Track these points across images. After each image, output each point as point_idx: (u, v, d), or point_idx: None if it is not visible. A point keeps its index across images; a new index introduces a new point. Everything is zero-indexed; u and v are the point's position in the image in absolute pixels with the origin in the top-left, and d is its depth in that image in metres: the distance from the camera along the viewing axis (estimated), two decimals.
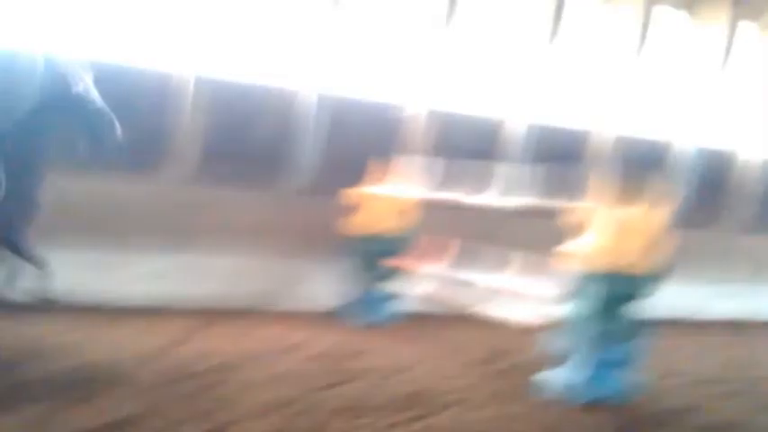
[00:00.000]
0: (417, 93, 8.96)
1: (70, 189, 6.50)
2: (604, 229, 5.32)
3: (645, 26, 9.97)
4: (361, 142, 8.68)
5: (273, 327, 7.01)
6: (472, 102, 9.52)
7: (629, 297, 5.44)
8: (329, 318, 7.56)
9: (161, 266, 7.33)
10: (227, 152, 8.03)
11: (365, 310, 7.67)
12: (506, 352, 6.89)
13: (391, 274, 7.72)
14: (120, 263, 7.17)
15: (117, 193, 7.26)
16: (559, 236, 5.60)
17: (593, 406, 5.33)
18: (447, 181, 7.52)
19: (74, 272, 6.38)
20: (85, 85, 5.35)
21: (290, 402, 4.81)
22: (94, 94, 5.37)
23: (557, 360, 5.51)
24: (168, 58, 7.76)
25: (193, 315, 7.05)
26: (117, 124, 5.33)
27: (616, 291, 5.33)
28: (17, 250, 5.30)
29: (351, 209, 7.80)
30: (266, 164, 8.28)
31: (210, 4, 7.85)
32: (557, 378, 5.45)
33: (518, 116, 9.50)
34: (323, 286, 7.86)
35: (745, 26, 10.64)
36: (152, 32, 7.72)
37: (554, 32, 9.36)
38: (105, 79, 5.58)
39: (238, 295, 7.57)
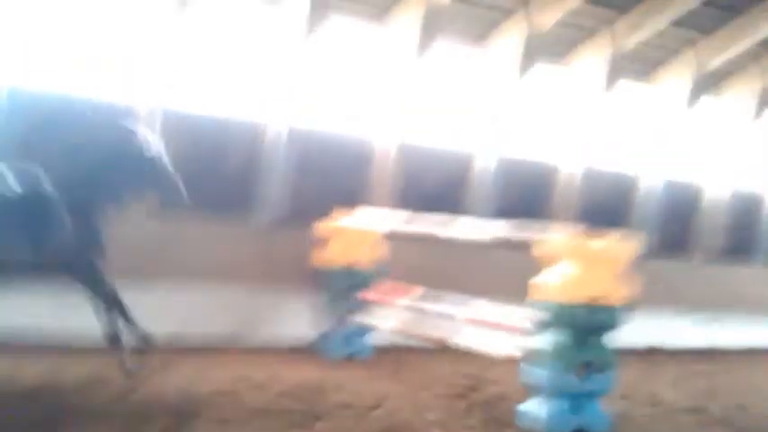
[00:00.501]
0: (386, 126, 8.94)
1: None
2: (576, 260, 5.29)
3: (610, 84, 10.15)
4: (331, 175, 8.64)
5: (246, 362, 6.81)
6: (441, 136, 9.57)
7: (604, 327, 5.43)
8: (302, 352, 7.38)
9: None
10: (194, 186, 7.88)
11: (338, 344, 7.52)
12: (483, 383, 6.78)
13: (364, 306, 7.59)
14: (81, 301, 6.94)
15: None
16: (533, 267, 5.56)
17: None
18: (418, 213, 7.46)
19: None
20: (158, 149, 5.70)
21: None
22: (164, 157, 5.70)
23: (535, 391, 5.40)
24: (132, 91, 7.66)
25: (163, 351, 6.81)
26: (181, 184, 5.70)
27: (591, 321, 5.30)
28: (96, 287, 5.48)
29: (322, 242, 7.68)
30: (235, 198, 8.16)
31: (178, 40, 7.77)
32: (536, 409, 5.34)
33: (487, 149, 9.56)
34: (295, 320, 7.70)
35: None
36: (115, 67, 7.65)
37: (523, 71, 9.45)
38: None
39: (209, 330, 7.37)
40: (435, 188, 7.76)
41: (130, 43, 7.67)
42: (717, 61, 10.38)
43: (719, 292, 11.12)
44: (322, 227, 7.71)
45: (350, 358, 7.44)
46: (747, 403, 7.09)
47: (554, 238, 5.46)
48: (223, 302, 7.51)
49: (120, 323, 5.64)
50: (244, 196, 8.30)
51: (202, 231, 7.68)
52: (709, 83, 10.88)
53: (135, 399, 5.34)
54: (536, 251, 5.51)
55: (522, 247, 5.70)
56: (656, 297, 10.30)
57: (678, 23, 9.82)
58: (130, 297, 7.03)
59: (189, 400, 5.39)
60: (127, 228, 7.29)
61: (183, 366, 6.39)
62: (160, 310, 7.13)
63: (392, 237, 7.56)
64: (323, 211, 7.91)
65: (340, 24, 8.84)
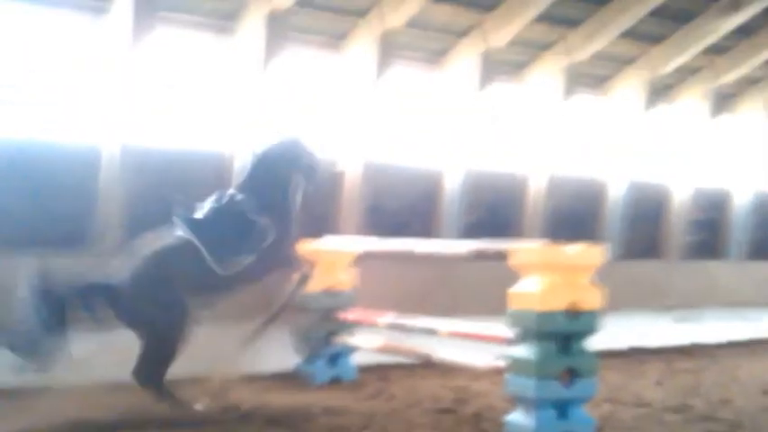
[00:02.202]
0: (353, 147, 8.97)
1: None
2: (552, 268, 5.35)
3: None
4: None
5: (228, 391, 6.74)
6: (407, 155, 9.64)
7: (584, 332, 5.47)
8: (287, 378, 7.32)
9: (99, 344, 7.02)
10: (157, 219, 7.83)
11: (322, 367, 7.48)
12: (470, 396, 6.79)
13: (345, 327, 7.57)
14: None
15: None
16: (510, 277, 5.61)
17: None
18: (386, 236, 7.49)
19: None
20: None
21: None
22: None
23: (520, 401, 5.42)
24: (93, 128, 7.61)
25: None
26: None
27: (571, 327, 5.34)
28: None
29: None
30: None
31: (132, 75, 7.73)
32: (523, 420, 5.36)
33: (455, 163, 9.64)
34: (276, 346, 7.64)
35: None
36: (73, 104, 7.60)
37: (482, 88, 9.55)
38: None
39: (190, 362, 7.28)
40: (404, 207, 7.77)
41: (85, 81, 7.64)
42: (669, 68, 10.65)
43: (694, 288, 11.29)
44: (299, 249, 7.69)
45: (335, 381, 7.40)
46: (731, 397, 7.18)
47: (528, 247, 5.51)
48: (197, 336, 7.44)
49: None
50: None
51: None
52: (663, 88, 11.16)
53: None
54: (511, 262, 5.56)
55: (498, 258, 5.73)
56: (633, 297, 10.46)
57: (628, 34, 10.09)
58: (113, 339, 7.02)
59: None
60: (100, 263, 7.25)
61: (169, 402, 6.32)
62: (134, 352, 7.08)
63: (367, 257, 7.56)
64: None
65: (296, 54, 8.93)
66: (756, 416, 6.42)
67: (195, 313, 5.91)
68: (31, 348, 5.40)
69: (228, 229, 5.85)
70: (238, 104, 8.35)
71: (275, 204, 6.11)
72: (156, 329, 5.70)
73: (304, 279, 6.55)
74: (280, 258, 6.16)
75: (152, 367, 5.75)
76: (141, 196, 7.72)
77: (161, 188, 7.90)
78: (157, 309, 5.67)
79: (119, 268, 5.83)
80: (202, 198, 7.97)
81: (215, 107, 8.54)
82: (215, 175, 8.22)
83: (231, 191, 6.04)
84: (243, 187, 6.18)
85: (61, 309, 5.51)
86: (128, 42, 7.67)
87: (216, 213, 5.94)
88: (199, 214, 5.96)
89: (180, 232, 5.88)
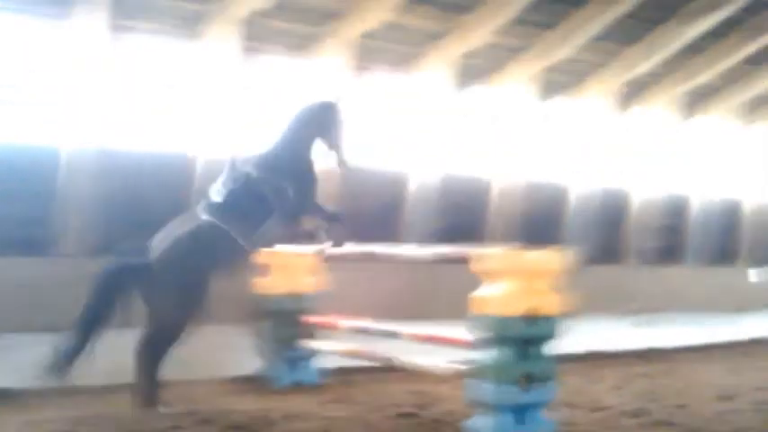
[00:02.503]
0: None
1: None
2: (513, 273, 5.40)
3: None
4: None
5: (190, 396, 6.68)
6: (378, 156, 9.65)
7: (544, 338, 5.53)
8: (248, 382, 7.27)
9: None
10: (125, 223, 7.74)
11: (284, 371, 7.45)
12: (434, 401, 6.81)
13: (308, 331, 7.56)
14: (16, 344, 6.74)
15: (10, 272, 6.87)
16: (475, 281, 5.65)
17: None
18: (359, 234, 7.49)
19: None
20: None
21: None
22: None
23: (483, 406, 5.46)
24: (58, 131, 7.50)
25: (109, 389, 6.67)
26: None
27: (531, 333, 5.40)
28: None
29: (262, 269, 7.63)
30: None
31: (103, 78, 7.63)
32: (482, 425, 5.40)
33: (424, 167, 9.68)
34: (238, 351, 7.60)
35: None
36: (39, 106, 7.49)
37: (457, 91, 9.61)
38: None
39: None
40: (370, 209, 7.78)
41: (56, 84, 7.52)
42: (640, 71, 10.81)
43: (653, 293, 11.47)
44: (261, 253, 7.66)
45: (297, 385, 7.38)
46: (687, 402, 7.29)
47: (491, 252, 5.55)
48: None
49: None
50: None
51: None
52: (633, 92, 11.32)
53: None
54: (474, 266, 5.60)
55: (461, 263, 5.77)
56: (594, 302, 10.60)
57: (599, 39, 10.23)
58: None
59: None
60: (58, 270, 7.15)
61: (123, 406, 6.25)
62: (97, 355, 6.98)
63: (333, 261, 7.55)
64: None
65: (267, 58, 8.90)
66: (712, 421, 6.53)
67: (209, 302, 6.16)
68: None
69: (250, 205, 6.15)
70: (204, 107, 8.29)
71: (296, 170, 6.35)
72: (176, 311, 5.95)
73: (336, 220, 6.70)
74: (301, 223, 6.48)
75: (157, 348, 6.00)
76: (102, 198, 7.62)
77: (123, 190, 7.82)
78: (183, 291, 5.92)
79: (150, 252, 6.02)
80: (164, 200, 7.93)
81: (180, 110, 8.46)
82: (178, 176, 8.14)
83: (248, 165, 6.30)
84: (266, 154, 6.43)
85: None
86: (92, 46, 7.57)
87: (235, 193, 6.18)
88: (218, 197, 6.19)
89: (204, 216, 6.15)
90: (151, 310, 6.02)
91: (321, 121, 6.52)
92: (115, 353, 6.57)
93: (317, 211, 6.58)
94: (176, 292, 5.92)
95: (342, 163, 6.63)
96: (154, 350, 6.01)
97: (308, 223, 6.54)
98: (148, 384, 6.02)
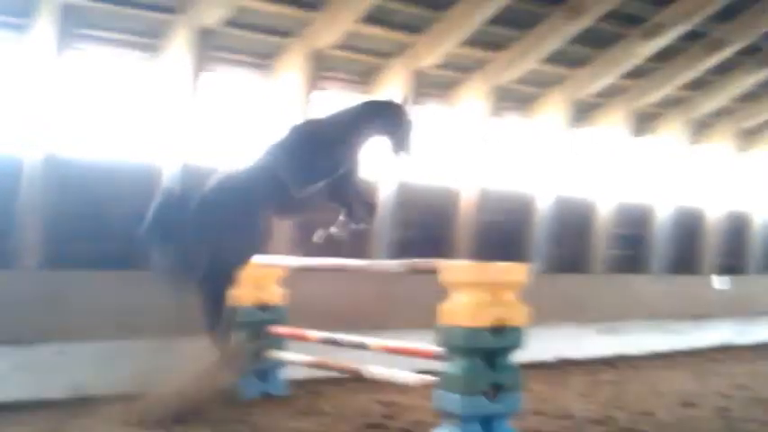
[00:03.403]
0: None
1: None
2: (479, 285, 5.45)
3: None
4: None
5: (155, 410, 6.60)
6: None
7: (510, 348, 5.58)
8: (216, 395, 7.19)
9: (20, 360, 6.83)
10: (85, 234, 7.64)
11: (252, 382, 7.41)
12: (401, 411, 6.84)
13: (276, 342, 7.53)
14: None
15: None
16: (441, 292, 5.68)
17: None
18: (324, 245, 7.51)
19: None
20: None
21: None
22: None
23: (450, 416, 5.49)
24: (17, 139, 7.38)
25: (65, 406, 6.58)
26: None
27: (497, 343, 5.44)
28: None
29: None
30: (129, 242, 7.92)
31: (57, 86, 7.51)
32: None
33: (387, 176, 9.70)
34: (206, 362, 7.52)
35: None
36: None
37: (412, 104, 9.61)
38: None
39: (113, 381, 7.12)
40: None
41: (16, 94, 7.41)
42: (589, 92, 11.07)
43: (619, 301, 11.62)
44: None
45: (265, 396, 7.34)
46: (652, 409, 7.42)
47: (457, 265, 5.60)
48: (127, 354, 7.28)
49: None
50: (138, 241, 8.05)
51: (99, 278, 7.47)
52: (583, 112, 11.57)
53: None
54: (441, 278, 5.63)
55: (429, 274, 5.81)
56: (559, 310, 10.71)
57: (550, 60, 10.47)
58: (27, 351, 6.82)
59: None
60: (18, 284, 7.06)
61: (87, 422, 6.18)
62: (58, 368, 6.91)
63: (300, 274, 7.55)
64: None
65: (226, 72, 8.89)
66: (673, 428, 6.65)
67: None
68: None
69: (306, 156, 6.32)
70: (167, 118, 8.22)
71: (350, 144, 6.52)
72: (228, 252, 6.21)
73: (371, 209, 6.85)
74: (345, 191, 6.56)
75: (216, 285, 6.28)
76: (65, 209, 7.51)
77: (86, 201, 7.71)
78: (235, 223, 6.15)
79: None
80: (129, 211, 7.87)
81: (144, 121, 8.38)
82: (143, 187, 8.06)
83: (312, 122, 6.68)
84: (326, 122, 6.63)
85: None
86: (52, 56, 7.48)
87: (295, 143, 6.41)
88: (279, 143, 6.44)
89: (261, 160, 6.38)
90: (205, 242, 6.17)
91: (387, 119, 6.62)
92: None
93: (354, 191, 6.71)
94: (229, 223, 6.13)
95: (405, 156, 6.73)
96: (214, 287, 6.26)
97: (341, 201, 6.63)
98: (212, 321, 6.35)
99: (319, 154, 6.35)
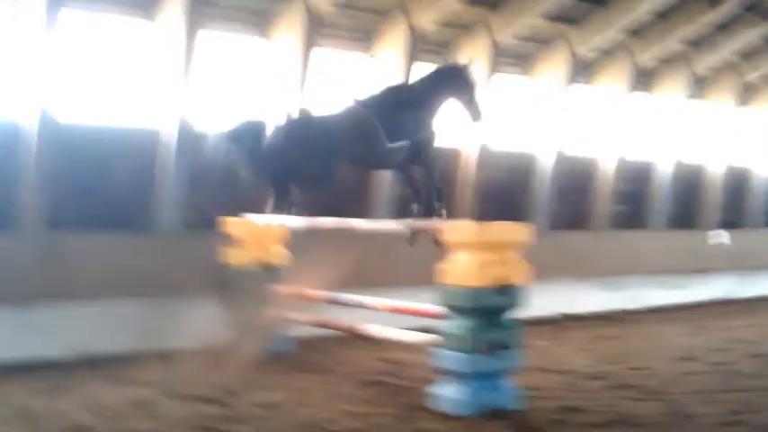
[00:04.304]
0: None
1: None
2: (480, 244, 5.45)
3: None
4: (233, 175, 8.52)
5: (157, 369, 6.68)
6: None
7: (510, 306, 5.62)
8: (218, 353, 7.28)
9: (30, 319, 6.87)
10: (85, 195, 7.62)
11: (255, 342, 7.45)
12: (400, 369, 6.90)
13: (280, 301, 7.57)
14: None
15: None
16: (441, 253, 5.70)
17: (488, 415, 5.39)
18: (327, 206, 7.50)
19: None
20: None
21: None
22: None
23: (448, 374, 5.55)
24: (14, 104, 7.32)
25: (67, 366, 6.66)
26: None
27: (497, 302, 5.48)
28: None
29: (232, 240, 7.61)
30: (130, 204, 7.92)
31: (52, 51, 7.40)
32: (448, 392, 5.49)
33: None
34: (208, 322, 7.59)
35: None
36: None
37: (407, 70, 9.49)
38: None
39: (117, 340, 7.19)
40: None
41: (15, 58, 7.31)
42: (588, 48, 10.92)
43: (619, 256, 11.66)
44: (232, 224, 7.63)
45: (268, 355, 7.39)
46: (649, 364, 7.49)
47: (459, 225, 5.59)
48: (129, 314, 7.34)
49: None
50: (139, 205, 8.04)
51: (101, 240, 7.49)
52: (582, 70, 11.44)
53: (35, 415, 5.20)
54: (442, 238, 5.64)
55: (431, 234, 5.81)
56: (562, 266, 10.76)
57: (549, 17, 10.31)
58: (36, 311, 6.88)
59: (96, 414, 5.26)
60: (20, 243, 7.07)
61: (89, 380, 6.26)
62: (60, 327, 6.96)
63: (299, 234, 7.55)
64: (223, 212, 7.85)
65: (221, 37, 8.76)
66: (672, 382, 6.71)
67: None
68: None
69: (393, 115, 6.63)
70: (162, 81, 8.13)
71: (429, 109, 6.85)
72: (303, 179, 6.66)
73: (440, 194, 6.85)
74: (421, 155, 6.76)
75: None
76: (64, 173, 7.49)
77: (85, 165, 7.69)
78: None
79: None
80: (128, 175, 7.85)
81: (140, 84, 8.29)
82: (142, 151, 8.03)
83: (402, 87, 7.12)
84: (412, 87, 7.01)
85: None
86: (46, 22, 7.37)
87: (384, 102, 6.75)
88: (371, 99, 6.81)
89: (351, 110, 6.74)
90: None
91: (455, 82, 6.89)
92: None
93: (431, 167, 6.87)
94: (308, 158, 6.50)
95: (476, 117, 6.94)
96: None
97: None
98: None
99: (404, 115, 6.67)
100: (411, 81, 7.03)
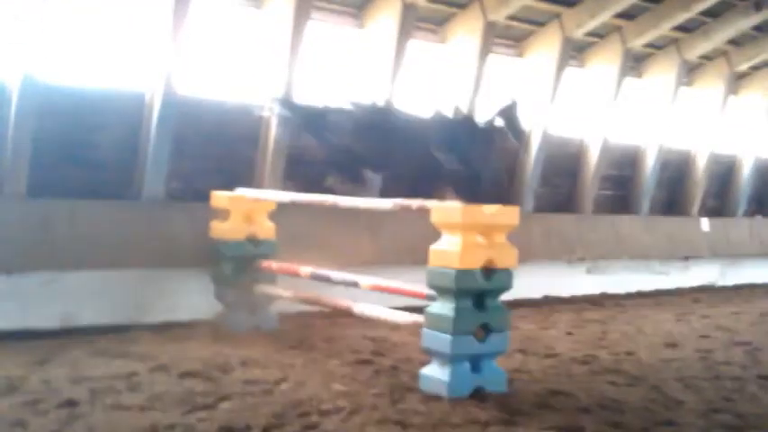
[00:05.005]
0: (273, 92, 8.72)
1: None
2: (473, 226, 5.45)
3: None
4: (221, 143, 8.43)
5: (146, 343, 6.67)
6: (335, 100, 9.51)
7: (499, 289, 5.65)
8: (206, 328, 7.28)
9: (8, 288, 6.81)
10: (69, 161, 7.50)
11: (243, 317, 7.47)
12: (388, 349, 6.93)
13: (267, 276, 7.56)
14: None
15: None
16: (432, 234, 5.69)
17: (477, 396, 5.43)
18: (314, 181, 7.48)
19: None
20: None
21: (169, 428, 4.55)
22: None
23: (437, 356, 5.56)
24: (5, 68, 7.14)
25: (53, 336, 6.62)
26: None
27: (487, 284, 5.49)
28: None
29: (220, 213, 7.57)
30: (116, 172, 7.80)
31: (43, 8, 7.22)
32: (438, 373, 5.51)
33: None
34: (195, 296, 7.57)
35: None
36: None
37: (400, 46, 9.39)
38: None
39: (102, 312, 7.15)
40: (331, 153, 7.65)
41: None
42: (582, 31, 10.87)
43: (606, 240, 11.72)
44: (219, 198, 7.59)
45: (255, 330, 7.41)
46: (635, 349, 7.56)
47: (448, 206, 5.58)
48: (115, 285, 7.30)
49: None
50: (126, 172, 7.92)
51: (87, 208, 7.40)
52: (574, 52, 11.40)
53: (20, 388, 5.18)
54: (432, 219, 5.63)
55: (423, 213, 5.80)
56: (549, 248, 10.80)
57: None
58: (17, 279, 6.81)
59: (83, 387, 5.24)
60: (4, 212, 6.97)
61: (76, 352, 6.22)
62: (46, 297, 6.90)
63: (287, 209, 7.52)
64: (212, 183, 7.80)
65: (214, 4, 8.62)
66: (658, 369, 6.78)
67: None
68: None
69: (464, 146, 7.22)
70: (153, 44, 7.96)
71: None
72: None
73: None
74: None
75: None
76: (49, 137, 7.34)
77: (71, 128, 7.54)
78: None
79: None
80: (115, 139, 7.75)
81: (129, 47, 8.11)
82: (131, 116, 7.89)
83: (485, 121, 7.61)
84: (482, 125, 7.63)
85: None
86: None
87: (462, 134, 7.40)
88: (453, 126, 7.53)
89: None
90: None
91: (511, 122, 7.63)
92: None
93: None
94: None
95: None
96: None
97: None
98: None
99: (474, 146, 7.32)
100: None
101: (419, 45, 10.08)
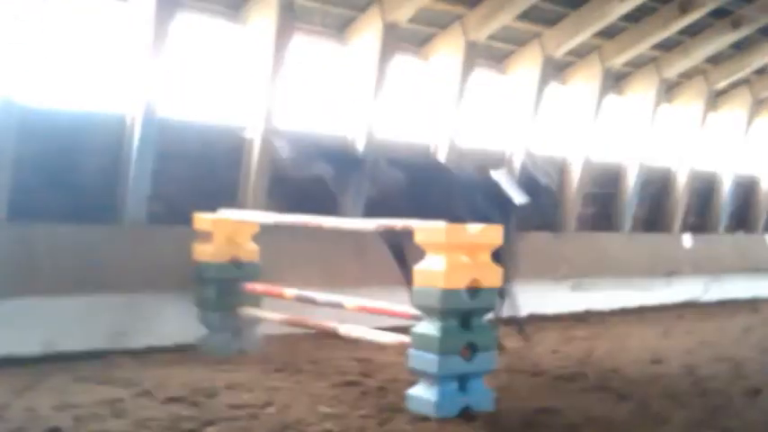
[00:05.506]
0: (257, 113, 8.72)
1: None
2: (458, 246, 5.46)
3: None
4: (203, 165, 8.41)
5: (130, 368, 6.59)
6: (318, 120, 9.52)
7: (485, 308, 5.66)
8: (190, 352, 7.21)
9: None
10: (50, 185, 7.44)
11: (227, 340, 7.40)
12: (375, 370, 6.88)
13: (251, 299, 7.51)
14: None
15: None
16: (419, 254, 5.69)
17: (465, 416, 5.40)
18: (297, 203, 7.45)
19: None
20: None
21: None
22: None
23: (423, 376, 5.54)
24: None
25: (35, 363, 6.52)
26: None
27: (472, 304, 5.49)
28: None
29: (203, 235, 7.52)
30: (98, 195, 7.74)
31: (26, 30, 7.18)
32: (425, 394, 5.48)
33: (363, 132, 9.58)
34: (178, 319, 7.50)
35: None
36: None
37: (382, 64, 9.45)
38: None
39: (84, 338, 7.05)
40: (311, 178, 7.64)
41: None
42: (562, 50, 11.01)
43: (590, 257, 11.78)
44: (202, 220, 7.54)
45: (240, 353, 7.34)
46: (621, 366, 7.57)
47: (432, 226, 5.58)
48: (98, 310, 7.21)
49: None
50: (107, 195, 7.86)
51: (66, 236, 7.32)
52: (555, 71, 11.53)
53: (7, 416, 5.09)
54: (417, 239, 5.63)
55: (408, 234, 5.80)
56: (534, 266, 10.82)
57: (524, 17, 10.36)
58: (4, 310, 6.71)
59: (67, 415, 5.15)
60: None
61: (59, 379, 6.13)
62: (29, 323, 6.81)
63: (271, 231, 7.50)
64: (194, 205, 7.75)
65: (193, 22, 8.61)
66: (644, 385, 6.78)
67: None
68: None
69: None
70: (134, 67, 7.93)
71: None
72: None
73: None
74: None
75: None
76: (27, 159, 7.26)
77: (50, 150, 7.47)
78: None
79: None
80: (95, 162, 7.68)
81: (111, 70, 8.08)
82: (111, 138, 7.84)
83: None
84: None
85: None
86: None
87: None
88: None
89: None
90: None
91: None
92: None
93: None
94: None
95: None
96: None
97: None
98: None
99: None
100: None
101: (402, 62, 10.13)
